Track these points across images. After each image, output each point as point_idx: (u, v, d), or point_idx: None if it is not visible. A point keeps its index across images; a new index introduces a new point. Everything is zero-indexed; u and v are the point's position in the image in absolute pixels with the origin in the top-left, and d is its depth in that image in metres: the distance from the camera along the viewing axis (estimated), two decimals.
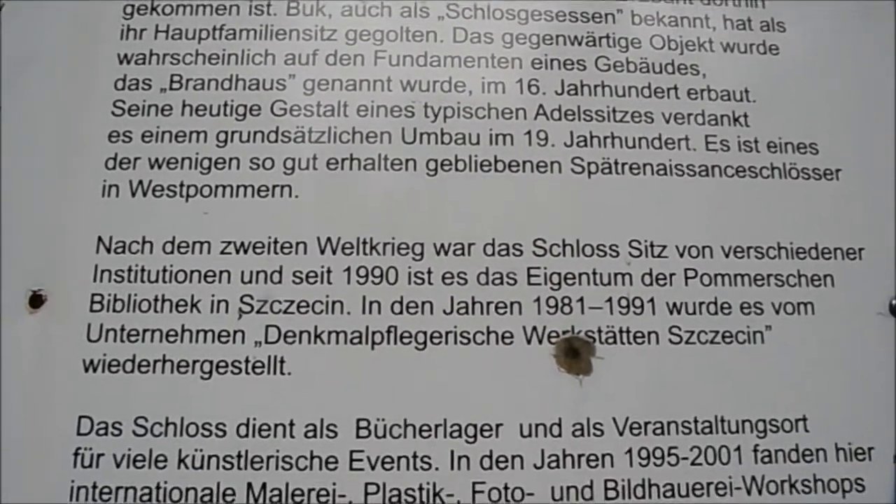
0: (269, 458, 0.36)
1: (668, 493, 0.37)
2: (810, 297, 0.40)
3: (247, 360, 0.37)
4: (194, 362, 0.37)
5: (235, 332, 0.37)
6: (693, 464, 0.37)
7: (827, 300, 0.40)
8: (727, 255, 0.40)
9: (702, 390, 0.38)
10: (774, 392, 0.38)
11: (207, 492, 0.35)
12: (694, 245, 0.40)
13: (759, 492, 0.37)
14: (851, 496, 0.38)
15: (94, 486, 0.35)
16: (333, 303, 0.38)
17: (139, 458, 0.36)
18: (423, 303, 0.38)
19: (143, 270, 0.38)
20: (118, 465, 0.36)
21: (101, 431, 0.36)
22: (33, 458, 0.36)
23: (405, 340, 0.37)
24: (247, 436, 0.36)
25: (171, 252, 0.38)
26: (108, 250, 0.38)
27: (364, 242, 0.38)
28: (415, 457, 0.36)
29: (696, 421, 0.38)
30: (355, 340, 0.37)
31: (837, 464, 0.38)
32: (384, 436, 0.36)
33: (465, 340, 0.37)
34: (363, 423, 0.36)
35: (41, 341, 0.37)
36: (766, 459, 0.38)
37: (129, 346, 0.37)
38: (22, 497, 0.35)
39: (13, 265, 0.38)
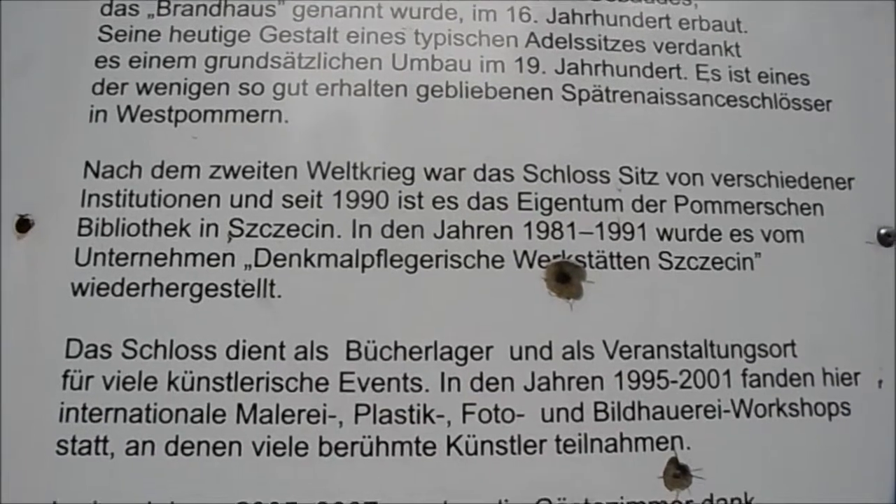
0: (259, 379, 0.35)
1: (658, 416, 0.37)
2: (800, 225, 0.39)
3: (236, 283, 0.36)
4: (184, 285, 0.36)
5: (225, 255, 0.37)
6: (682, 387, 0.37)
7: (816, 228, 0.40)
8: (717, 183, 0.39)
9: (691, 315, 0.38)
10: (763, 317, 0.38)
11: (198, 413, 0.35)
12: (684, 172, 0.39)
13: (748, 414, 0.37)
14: (837, 419, 0.38)
15: (84, 408, 0.35)
16: (324, 226, 0.37)
17: (129, 379, 0.35)
18: (414, 227, 0.37)
19: (131, 195, 0.37)
20: (108, 387, 0.35)
21: (90, 354, 0.35)
22: (22, 381, 0.35)
23: (395, 264, 0.37)
24: (237, 358, 0.36)
25: (160, 176, 0.37)
26: (96, 175, 0.37)
27: (354, 167, 0.38)
28: (405, 378, 0.36)
29: (685, 345, 0.37)
30: (345, 264, 0.37)
31: (824, 388, 0.38)
32: (374, 358, 0.36)
33: (455, 264, 0.37)
34: (353, 346, 0.36)
35: (29, 265, 0.36)
36: (755, 383, 0.37)
37: (118, 270, 0.36)
38: (11, 418, 0.35)
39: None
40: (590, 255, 0.38)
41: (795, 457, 0.37)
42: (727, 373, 0.37)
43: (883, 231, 0.40)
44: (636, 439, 0.36)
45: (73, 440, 0.35)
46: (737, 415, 0.37)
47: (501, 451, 0.35)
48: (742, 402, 0.37)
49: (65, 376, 0.35)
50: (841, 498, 0.37)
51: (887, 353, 0.39)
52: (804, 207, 0.40)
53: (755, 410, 0.37)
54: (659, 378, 0.37)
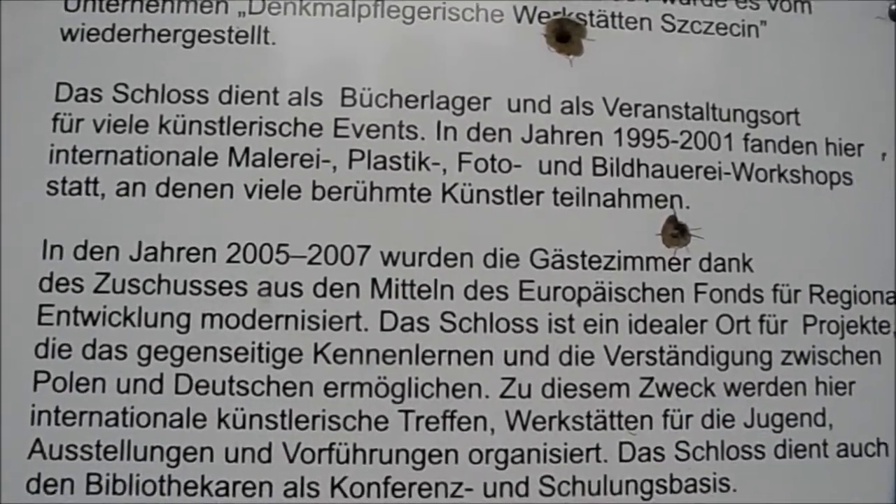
0: (251, 123, 0.34)
1: (657, 174, 0.35)
2: None
3: (230, 30, 0.35)
4: (176, 31, 0.35)
5: (218, 2, 0.35)
6: (683, 147, 0.36)
7: (824, 1, 0.38)
8: None
9: (693, 78, 0.36)
10: (767, 85, 0.36)
11: (189, 155, 0.34)
12: None
13: (748, 178, 0.36)
14: (839, 188, 0.36)
15: (74, 150, 0.33)
16: None
17: (119, 122, 0.34)
18: None
19: None
20: (98, 130, 0.34)
21: (80, 98, 0.34)
22: (11, 124, 0.34)
23: (392, 14, 0.35)
24: (229, 102, 0.34)
25: None
26: None
27: None
28: (400, 126, 0.34)
29: (686, 106, 0.36)
30: (341, 13, 0.35)
31: (827, 157, 0.37)
32: (370, 105, 0.34)
33: (453, 17, 0.35)
34: (348, 92, 0.34)
35: (13, 12, 0.35)
36: (756, 148, 0.36)
37: (109, 16, 0.35)
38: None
39: None
40: (591, 14, 0.36)
41: (795, 223, 0.36)
42: (728, 136, 0.36)
43: (894, 7, 0.38)
44: (634, 196, 0.35)
45: (64, 181, 0.33)
46: (737, 178, 0.36)
47: (497, 200, 0.34)
48: (743, 165, 0.36)
49: (55, 119, 0.34)
50: (839, 263, 0.36)
51: (892, 127, 0.37)
52: None
53: (756, 175, 0.36)
54: (659, 137, 0.35)
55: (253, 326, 0.33)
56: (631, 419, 0.34)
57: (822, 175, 0.36)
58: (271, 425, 0.32)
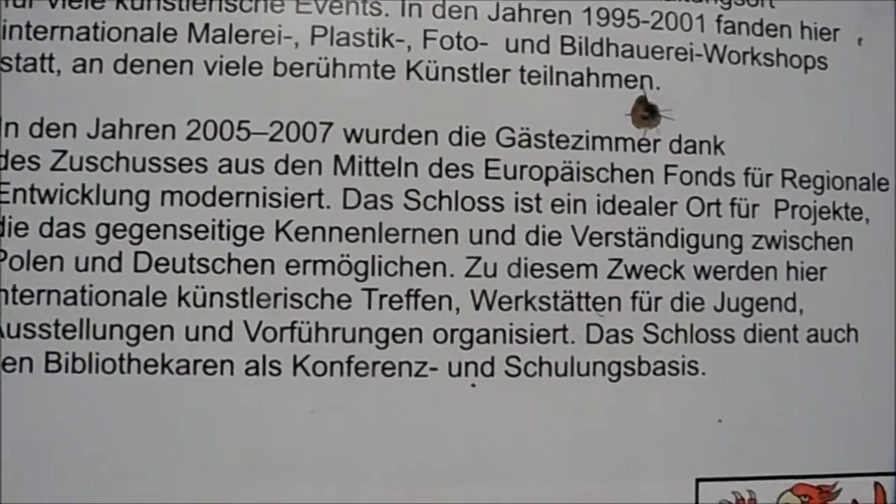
0: (210, 1, 0.33)
1: (627, 53, 0.34)
2: None
3: None
4: None
5: None
6: (654, 27, 0.34)
7: None
8: None
9: None
10: None
11: (147, 31, 0.32)
12: None
13: (721, 60, 0.35)
14: (813, 72, 0.36)
15: (28, 26, 0.32)
16: None
17: None
18: None
19: None
20: (53, 6, 0.32)
21: None
22: None
23: None
24: None
25: None
26: None
27: None
28: (364, 2, 0.33)
29: None
30: None
31: (801, 41, 0.36)
32: None
33: None
34: None
35: None
36: (729, 30, 0.35)
37: None
38: None
39: None
40: None
41: (768, 106, 0.35)
42: (700, 17, 0.35)
43: None
44: (604, 75, 0.34)
45: (18, 57, 0.32)
46: (709, 59, 0.35)
47: (463, 77, 0.33)
48: (715, 47, 0.35)
49: None
50: (812, 148, 0.35)
51: (868, 12, 0.36)
52: None
53: (729, 57, 0.35)
54: (629, 17, 0.34)
55: (213, 204, 0.32)
56: (599, 300, 0.33)
57: (796, 59, 0.35)
58: (232, 303, 0.32)
